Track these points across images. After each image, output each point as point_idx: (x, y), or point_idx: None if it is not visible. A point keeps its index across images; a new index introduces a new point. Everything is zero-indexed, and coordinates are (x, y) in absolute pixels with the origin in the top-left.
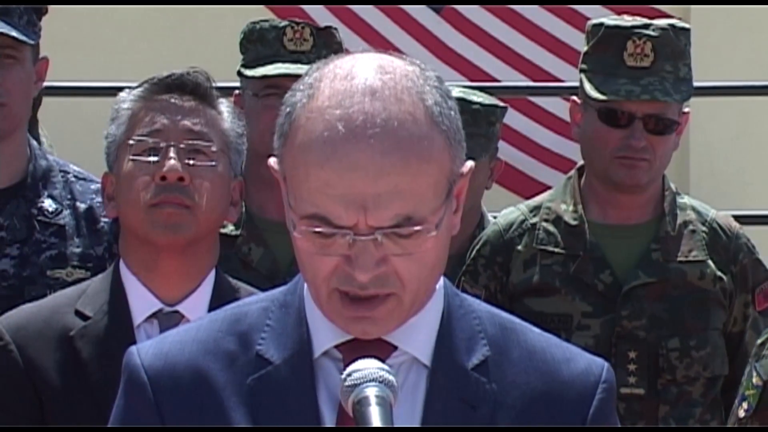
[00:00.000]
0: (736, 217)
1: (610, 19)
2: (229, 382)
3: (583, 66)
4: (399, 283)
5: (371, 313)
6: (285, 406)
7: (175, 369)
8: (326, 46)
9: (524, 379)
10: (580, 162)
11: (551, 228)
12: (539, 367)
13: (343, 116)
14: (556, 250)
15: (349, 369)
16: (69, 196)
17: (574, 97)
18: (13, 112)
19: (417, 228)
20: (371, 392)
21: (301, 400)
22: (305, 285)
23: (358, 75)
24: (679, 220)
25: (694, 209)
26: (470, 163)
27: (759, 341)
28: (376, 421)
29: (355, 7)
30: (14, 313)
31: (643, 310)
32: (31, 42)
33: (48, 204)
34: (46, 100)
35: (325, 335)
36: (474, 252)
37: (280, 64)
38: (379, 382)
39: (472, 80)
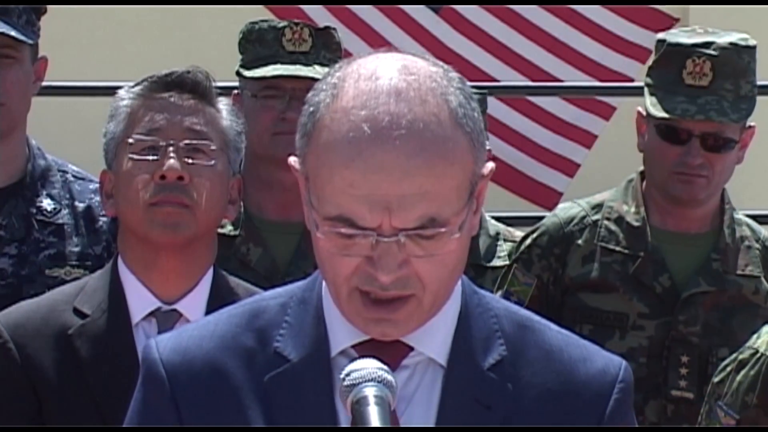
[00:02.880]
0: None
1: (674, 34)
2: (247, 379)
3: (647, 80)
4: (420, 285)
5: (391, 315)
6: (301, 404)
7: (193, 364)
8: (325, 46)
9: (540, 379)
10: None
11: (613, 227)
12: (556, 367)
13: (369, 117)
14: (617, 248)
15: (347, 368)
16: (68, 196)
17: (640, 108)
18: (12, 112)
19: (441, 230)
20: (370, 392)
21: (318, 399)
22: (324, 282)
23: (383, 75)
24: (737, 235)
25: (748, 226)
26: (491, 165)
27: (716, 379)
28: (374, 421)
29: (354, 7)
30: (12, 310)
31: (699, 316)
32: (30, 42)
33: (47, 203)
34: (45, 100)
35: (342, 334)
36: (529, 240)
37: (278, 65)
38: (378, 381)
39: (471, 80)
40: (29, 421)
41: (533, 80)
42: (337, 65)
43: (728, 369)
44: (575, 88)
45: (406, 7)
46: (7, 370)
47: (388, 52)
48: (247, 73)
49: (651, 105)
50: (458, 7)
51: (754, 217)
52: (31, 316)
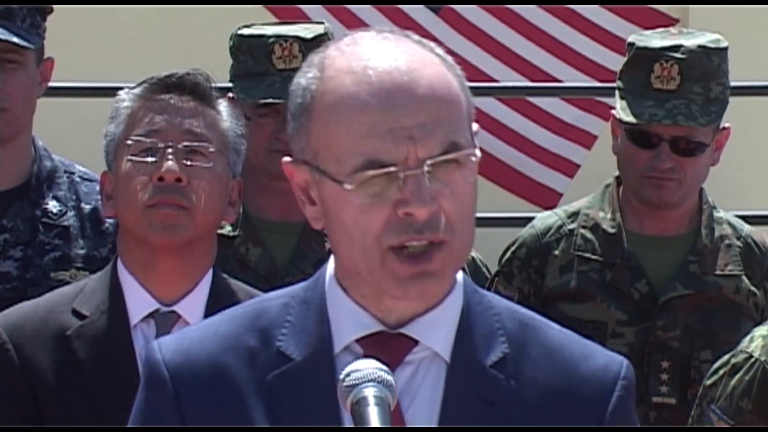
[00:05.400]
0: (736, 217)
1: (642, 37)
2: (250, 379)
3: (618, 84)
4: (449, 227)
5: (428, 266)
6: (305, 402)
7: (196, 365)
8: None
9: (543, 376)
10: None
11: (589, 235)
12: (558, 365)
13: (369, 65)
14: (594, 257)
15: (347, 369)
16: (74, 197)
17: (614, 112)
18: (16, 116)
19: (463, 152)
20: (370, 392)
21: (322, 397)
22: (327, 281)
23: (363, 38)
24: (716, 234)
25: (729, 224)
26: (476, 126)
27: (708, 382)
28: (374, 421)
29: (353, 7)
30: (11, 311)
31: (678, 321)
32: (33, 46)
33: (52, 205)
34: (46, 101)
35: (346, 330)
36: (509, 254)
37: (269, 85)
38: (378, 382)
39: (470, 80)
40: (27, 422)
41: (533, 81)
42: (308, 57)
43: (721, 372)
44: (575, 89)
45: (406, 7)
46: (5, 371)
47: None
48: (240, 94)
49: (621, 109)
50: (458, 8)
51: (754, 217)
52: (29, 317)
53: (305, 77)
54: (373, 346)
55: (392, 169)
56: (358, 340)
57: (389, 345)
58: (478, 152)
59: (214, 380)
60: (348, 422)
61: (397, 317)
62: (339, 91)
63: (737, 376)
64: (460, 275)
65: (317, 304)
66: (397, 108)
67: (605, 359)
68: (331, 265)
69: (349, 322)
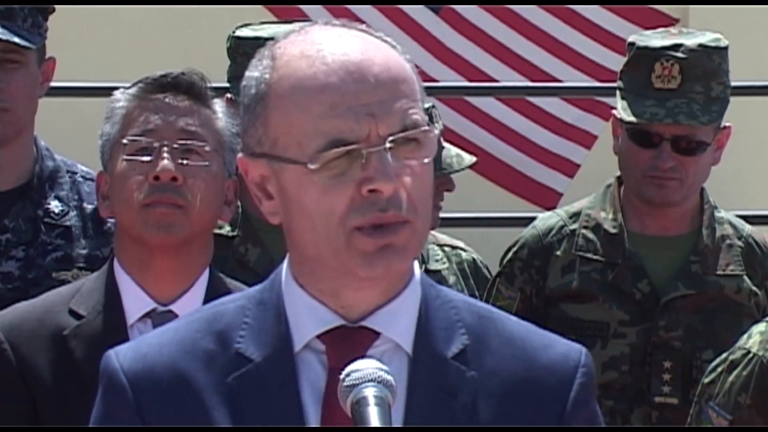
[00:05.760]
0: (737, 217)
1: (643, 37)
2: (210, 382)
3: (619, 83)
4: (411, 207)
5: (393, 239)
6: (267, 402)
7: (155, 371)
8: None
9: (504, 366)
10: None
11: (590, 235)
12: (518, 354)
13: (323, 48)
14: (595, 257)
15: (347, 369)
16: (76, 197)
17: (615, 112)
18: (17, 116)
19: (423, 129)
20: (370, 392)
21: (284, 396)
22: (283, 279)
23: (313, 29)
24: (717, 234)
25: (730, 224)
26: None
27: (706, 380)
28: (374, 421)
29: (354, 7)
30: (8, 312)
31: (680, 321)
32: (34, 46)
33: (54, 205)
34: (46, 101)
35: (306, 326)
36: (511, 254)
37: None
38: (378, 382)
39: (470, 80)
40: (24, 422)
41: (533, 80)
42: (257, 53)
43: (719, 369)
44: (575, 89)
45: (406, 7)
46: (2, 371)
47: None
48: (237, 95)
49: (622, 109)
50: (458, 8)
51: (754, 217)
52: (26, 318)
53: (257, 69)
54: (335, 340)
55: (355, 146)
56: (319, 336)
57: (351, 339)
58: (436, 130)
59: (174, 385)
60: (312, 420)
61: (357, 311)
62: (296, 74)
63: (735, 372)
64: (417, 269)
65: (274, 303)
66: (356, 84)
67: (564, 348)
68: (286, 265)
69: (309, 318)
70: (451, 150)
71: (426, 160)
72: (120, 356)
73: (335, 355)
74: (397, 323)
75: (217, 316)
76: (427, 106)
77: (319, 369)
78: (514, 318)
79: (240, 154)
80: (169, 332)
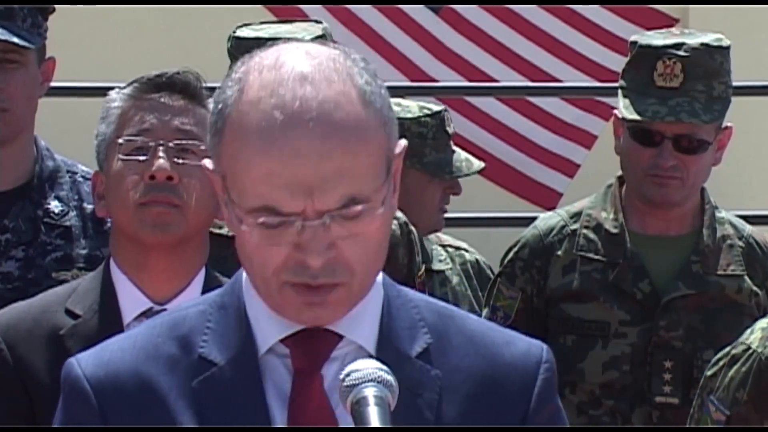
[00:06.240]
0: (737, 217)
1: (647, 36)
2: (174, 386)
3: (621, 83)
4: (347, 272)
5: (324, 299)
6: (232, 406)
7: (118, 377)
8: None
9: (467, 363)
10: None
11: (591, 235)
12: (481, 351)
13: (279, 104)
14: (596, 257)
15: (347, 369)
16: (76, 197)
17: (616, 111)
18: (17, 116)
19: (364, 207)
20: (370, 392)
21: (249, 400)
22: (243, 285)
23: (286, 63)
24: (718, 234)
25: (731, 224)
26: (403, 142)
27: (709, 373)
28: (374, 421)
29: (353, 7)
30: (4, 312)
31: (681, 321)
32: (33, 46)
33: (54, 205)
34: (45, 100)
35: (269, 331)
36: (512, 254)
37: None
38: (378, 382)
39: (470, 80)
40: (22, 422)
41: (533, 80)
42: (239, 61)
43: (721, 363)
44: (575, 89)
45: (405, 8)
46: None
47: (288, 43)
48: None
49: (623, 107)
50: (458, 8)
51: (754, 217)
52: (23, 317)
53: (226, 92)
54: (298, 344)
55: (289, 219)
56: (282, 340)
57: (314, 342)
58: (387, 202)
59: (138, 391)
60: (279, 424)
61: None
62: (246, 127)
63: (735, 367)
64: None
65: (236, 307)
66: (299, 158)
67: (526, 344)
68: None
69: (271, 323)
70: (461, 154)
71: (379, 212)
72: (82, 363)
73: (299, 358)
74: (361, 326)
75: (179, 321)
76: (438, 109)
77: (284, 372)
78: (473, 316)
79: (205, 160)
80: (131, 339)
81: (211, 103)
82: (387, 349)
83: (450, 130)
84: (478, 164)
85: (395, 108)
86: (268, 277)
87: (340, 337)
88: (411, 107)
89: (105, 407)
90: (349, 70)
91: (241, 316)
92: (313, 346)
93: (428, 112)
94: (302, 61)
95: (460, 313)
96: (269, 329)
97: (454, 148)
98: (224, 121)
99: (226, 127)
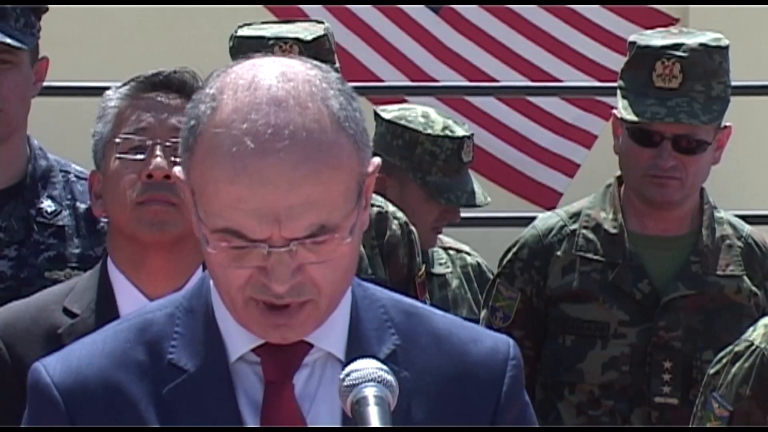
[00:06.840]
0: (736, 217)
1: (645, 36)
2: (145, 394)
3: (620, 83)
4: (315, 290)
5: (288, 321)
6: (204, 414)
7: (87, 384)
8: (316, 57)
9: (435, 363)
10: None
11: (591, 235)
12: (447, 350)
13: (250, 130)
14: (596, 257)
15: (347, 369)
16: (69, 197)
17: (615, 111)
18: (10, 117)
19: (332, 236)
20: (370, 392)
21: (221, 407)
22: (212, 289)
23: (261, 85)
24: (717, 234)
25: (730, 224)
26: (377, 160)
27: (711, 371)
28: (374, 421)
29: (354, 7)
30: (1, 311)
31: (680, 321)
32: (26, 47)
33: (47, 205)
34: (44, 100)
35: (240, 340)
36: (511, 255)
37: None
38: (378, 382)
39: (470, 80)
40: (19, 422)
41: (533, 80)
42: (215, 73)
43: (724, 360)
44: (575, 89)
45: (406, 7)
46: None
47: (265, 58)
48: None
49: (622, 108)
50: (458, 7)
51: (754, 217)
52: (20, 316)
53: (199, 107)
54: (269, 353)
55: (255, 244)
56: (253, 350)
57: (284, 351)
58: (356, 229)
59: (109, 399)
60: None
61: None
62: (217, 150)
63: (738, 364)
64: None
65: (203, 311)
66: (268, 185)
67: (492, 341)
68: None
69: (241, 332)
70: (469, 184)
71: (347, 240)
72: (50, 369)
73: (270, 368)
74: (329, 334)
75: (146, 325)
76: (461, 134)
77: (255, 380)
78: (439, 312)
79: (176, 169)
80: (97, 343)
81: None
82: (356, 353)
83: (465, 158)
84: (481, 200)
85: (420, 120)
86: (234, 294)
87: (311, 345)
88: (436, 124)
89: (75, 415)
90: (324, 93)
91: (209, 321)
92: (283, 356)
93: (450, 134)
94: (277, 83)
95: (425, 311)
96: (239, 338)
97: (468, 176)
98: (195, 139)
99: (197, 145)
